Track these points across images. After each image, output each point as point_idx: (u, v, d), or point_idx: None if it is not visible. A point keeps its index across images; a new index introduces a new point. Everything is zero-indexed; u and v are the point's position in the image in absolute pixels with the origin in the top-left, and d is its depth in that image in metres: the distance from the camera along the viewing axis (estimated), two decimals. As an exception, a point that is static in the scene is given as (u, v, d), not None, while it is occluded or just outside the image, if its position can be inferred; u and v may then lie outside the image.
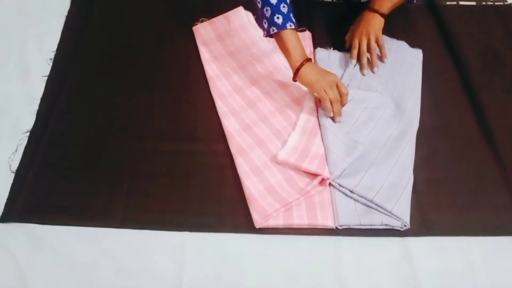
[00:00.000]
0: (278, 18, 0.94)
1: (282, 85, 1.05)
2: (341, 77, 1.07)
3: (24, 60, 1.11)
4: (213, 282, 0.80)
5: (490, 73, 1.11)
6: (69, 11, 1.21)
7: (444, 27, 1.21)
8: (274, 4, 0.94)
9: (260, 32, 1.15)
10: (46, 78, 1.07)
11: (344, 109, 0.98)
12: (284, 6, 0.94)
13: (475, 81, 1.09)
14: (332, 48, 1.14)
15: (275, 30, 0.94)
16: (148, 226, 0.85)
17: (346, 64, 1.10)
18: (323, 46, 1.14)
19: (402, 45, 1.14)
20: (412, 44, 1.15)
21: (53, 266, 0.80)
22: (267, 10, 0.95)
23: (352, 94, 1.02)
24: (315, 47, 1.14)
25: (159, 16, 1.21)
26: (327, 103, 0.94)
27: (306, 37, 1.16)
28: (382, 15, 1.06)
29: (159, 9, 1.23)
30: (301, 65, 0.94)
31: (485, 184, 0.93)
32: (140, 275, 0.80)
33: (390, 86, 1.06)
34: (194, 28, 1.17)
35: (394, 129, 0.98)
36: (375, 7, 1.06)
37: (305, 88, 1.04)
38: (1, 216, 0.86)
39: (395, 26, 1.18)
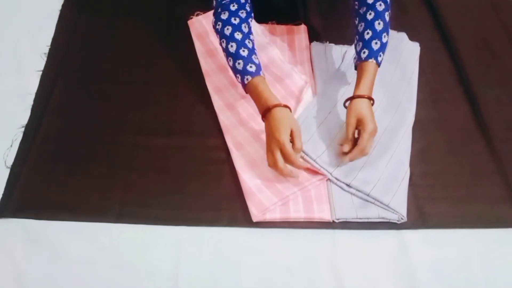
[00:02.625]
0: (239, 64, 0.90)
1: (278, 79, 1.05)
2: (338, 69, 1.07)
3: (18, 55, 1.10)
4: (210, 277, 0.80)
5: (485, 66, 1.12)
6: (63, 5, 1.20)
7: (439, 21, 1.21)
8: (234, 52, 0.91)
9: (255, 25, 1.14)
10: (41, 73, 1.06)
11: (339, 104, 0.98)
12: (244, 50, 0.91)
13: (471, 74, 1.09)
14: (328, 42, 1.13)
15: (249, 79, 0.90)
16: (144, 221, 0.85)
17: (342, 58, 1.10)
18: (319, 39, 1.14)
19: (401, 38, 1.14)
20: (409, 38, 1.15)
21: (49, 261, 0.80)
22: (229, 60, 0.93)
23: (346, 87, 1.02)
24: (311, 41, 1.14)
25: (154, 10, 1.21)
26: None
27: (301, 30, 1.16)
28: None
29: (154, 3, 1.22)
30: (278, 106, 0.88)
31: (481, 176, 0.94)
32: (136, 270, 0.80)
33: (386, 79, 1.06)
34: (189, 22, 1.17)
35: (389, 122, 0.98)
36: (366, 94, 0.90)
37: (301, 81, 1.04)
38: (-3, 212, 0.85)
39: (392, 20, 1.18)
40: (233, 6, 0.95)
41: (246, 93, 0.94)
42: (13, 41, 1.13)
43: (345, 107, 0.92)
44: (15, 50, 1.11)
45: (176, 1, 1.22)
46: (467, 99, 1.06)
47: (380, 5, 0.93)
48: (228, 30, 0.93)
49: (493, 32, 1.20)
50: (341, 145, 0.91)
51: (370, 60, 0.91)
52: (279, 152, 0.85)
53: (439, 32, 1.20)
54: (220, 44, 0.95)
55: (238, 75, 0.92)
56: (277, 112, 0.87)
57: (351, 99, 0.91)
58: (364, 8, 0.94)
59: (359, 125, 0.89)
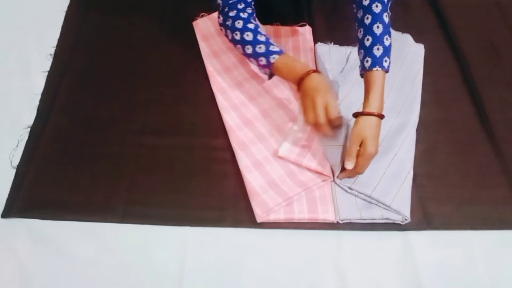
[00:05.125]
0: (260, 47, 0.94)
1: (282, 80, 1.05)
2: (341, 71, 1.07)
3: (24, 56, 1.11)
4: (214, 277, 0.80)
5: (491, 67, 1.12)
6: (69, 6, 1.21)
7: (444, 22, 1.21)
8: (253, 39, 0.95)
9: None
10: (47, 73, 1.06)
11: (343, 105, 0.98)
12: (261, 36, 0.95)
13: (476, 75, 1.09)
14: (332, 43, 1.13)
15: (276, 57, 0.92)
16: (149, 221, 0.85)
17: (346, 59, 1.10)
18: (324, 41, 1.14)
19: (405, 39, 1.14)
20: (413, 39, 1.15)
21: (54, 261, 0.81)
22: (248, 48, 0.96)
23: (349, 89, 1.02)
24: (315, 42, 1.14)
25: (159, 11, 1.21)
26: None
27: (306, 32, 1.16)
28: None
29: (159, 4, 1.23)
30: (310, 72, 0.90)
31: (486, 177, 0.93)
32: (141, 270, 0.80)
33: (390, 81, 1.05)
34: (194, 23, 1.17)
35: (392, 124, 0.98)
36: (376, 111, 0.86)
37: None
38: (3, 211, 0.86)
39: (397, 21, 1.18)
40: (240, 5, 0.97)
41: (273, 73, 0.95)
42: (19, 42, 1.13)
43: (354, 117, 0.89)
44: (21, 51, 1.12)
45: (181, 2, 1.23)
46: (472, 100, 1.05)
47: (377, 6, 0.88)
48: (239, 24, 0.96)
49: (498, 33, 1.20)
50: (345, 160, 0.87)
51: (375, 68, 0.86)
52: (323, 108, 0.86)
53: (444, 32, 1.19)
54: (233, 38, 0.97)
55: (261, 58, 0.93)
56: (321, 75, 0.90)
57: (360, 114, 0.87)
58: (361, 12, 0.91)
59: (361, 145, 0.85)
